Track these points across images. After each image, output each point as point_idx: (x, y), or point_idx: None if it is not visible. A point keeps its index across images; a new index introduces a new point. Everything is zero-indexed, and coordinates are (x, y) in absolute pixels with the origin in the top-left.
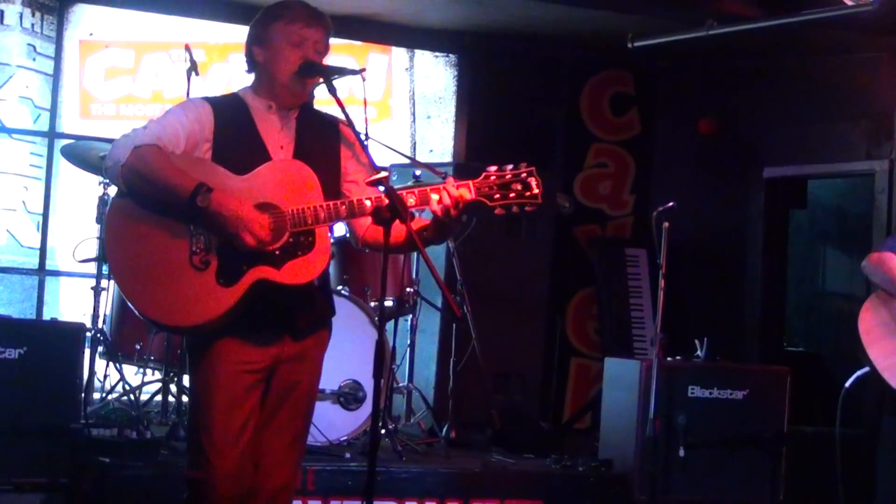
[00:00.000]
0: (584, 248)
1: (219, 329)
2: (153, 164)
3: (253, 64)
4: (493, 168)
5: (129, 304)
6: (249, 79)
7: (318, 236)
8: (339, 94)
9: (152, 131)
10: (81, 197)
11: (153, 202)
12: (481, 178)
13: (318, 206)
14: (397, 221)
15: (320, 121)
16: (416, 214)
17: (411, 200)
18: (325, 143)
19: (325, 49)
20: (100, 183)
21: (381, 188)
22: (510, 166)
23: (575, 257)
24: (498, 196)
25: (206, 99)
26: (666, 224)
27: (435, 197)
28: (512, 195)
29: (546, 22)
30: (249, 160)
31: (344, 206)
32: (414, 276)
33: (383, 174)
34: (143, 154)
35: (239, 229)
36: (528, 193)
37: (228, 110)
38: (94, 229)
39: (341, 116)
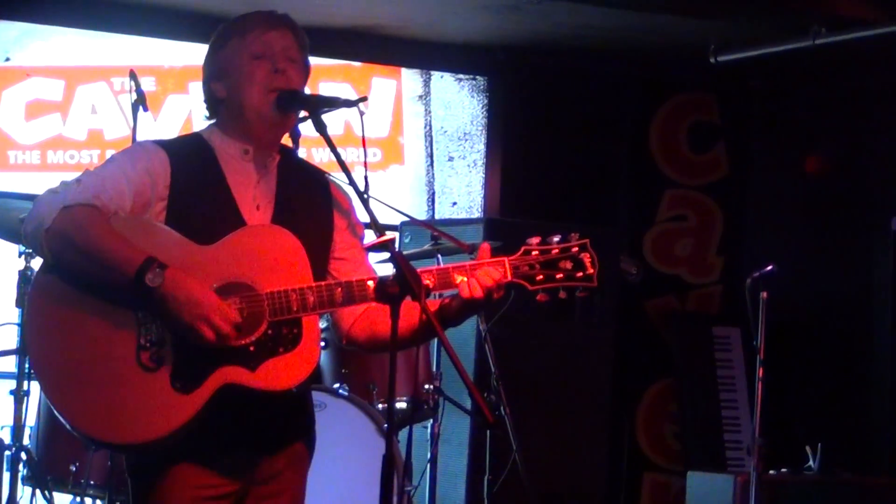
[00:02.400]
0: (658, 328)
1: (174, 447)
2: (88, 230)
3: (215, 105)
4: (534, 241)
5: (58, 415)
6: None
7: (306, 328)
8: (329, 131)
9: (88, 186)
10: None
11: (88, 280)
12: (520, 254)
13: (305, 289)
14: (407, 300)
15: (306, 175)
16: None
17: (427, 282)
18: (313, 205)
19: (301, 61)
20: (20, 254)
21: (385, 254)
22: (556, 238)
23: (646, 340)
24: (541, 277)
25: (160, 143)
26: (764, 294)
27: (461, 279)
28: (559, 276)
29: (603, 32)
30: (216, 224)
31: (340, 290)
32: (434, 368)
33: (388, 236)
34: (74, 216)
35: (195, 319)
36: (579, 274)
37: (189, 157)
38: (13, 314)
39: (335, 169)
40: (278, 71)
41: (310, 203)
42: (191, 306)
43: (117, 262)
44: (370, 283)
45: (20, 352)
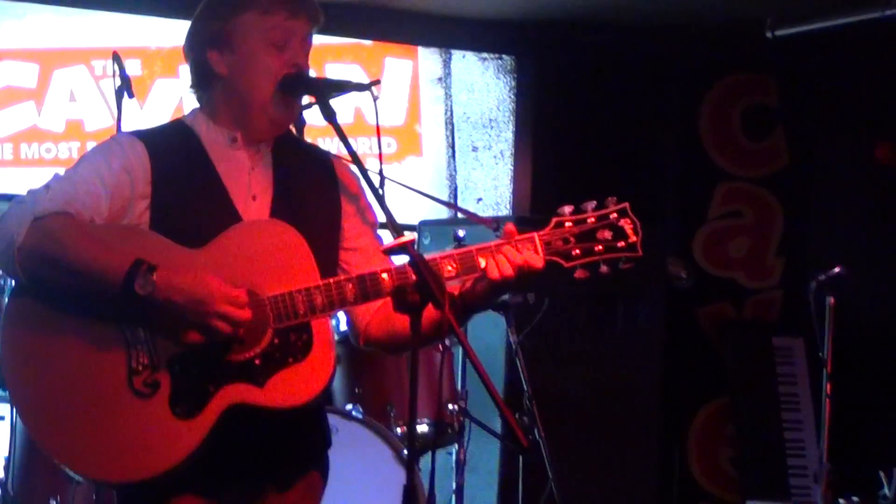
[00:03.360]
0: (711, 339)
1: (175, 481)
2: (63, 241)
3: (207, 78)
4: (566, 209)
5: (47, 453)
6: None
7: (317, 333)
8: (339, 119)
9: (59, 192)
10: None
11: (70, 297)
12: (551, 226)
13: (313, 289)
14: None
15: (306, 156)
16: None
17: (449, 269)
18: (316, 190)
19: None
20: None
21: (404, 258)
22: (591, 204)
23: (698, 352)
24: (578, 252)
25: (136, 134)
26: (831, 300)
27: (486, 263)
28: (598, 248)
29: (645, 5)
30: (208, 220)
31: (351, 286)
32: (459, 386)
33: (407, 237)
34: (47, 228)
35: (202, 318)
36: (621, 244)
37: (171, 148)
38: None
39: (340, 151)
40: (295, 66)
41: (313, 188)
42: (193, 305)
43: (101, 272)
44: (385, 275)
45: None
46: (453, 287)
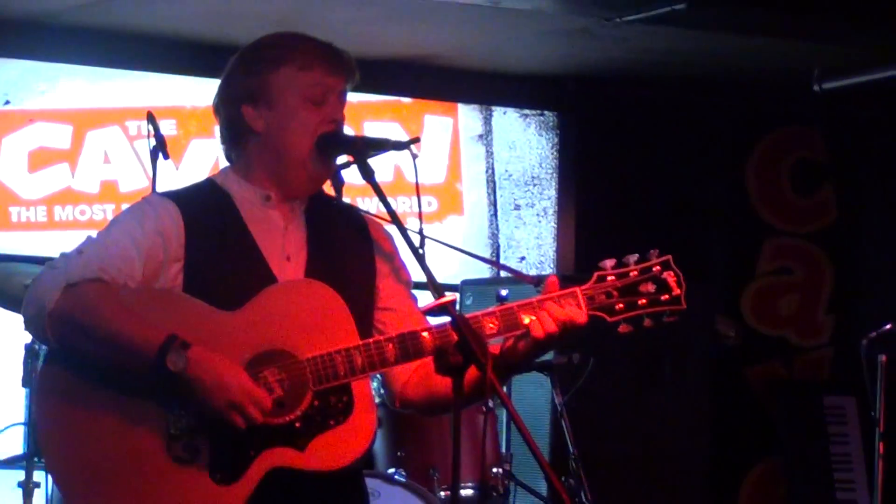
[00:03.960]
0: (760, 399)
1: None
2: (96, 310)
3: (241, 134)
4: (608, 264)
5: None
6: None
7: (358, 394)
8: (378, 177)
9: (91, 257)
10: None
11: (102, 367)
12: (593, 281)
13: (352, 349)
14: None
15: (339, 215)
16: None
17: (491, 327)
18: (350, 250)
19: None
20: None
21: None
22: (634, 257)
23: (747, 413)
24: (622, 306)
25: (168, 195)
26: (883, 358)
27: (529, 319)
28: (642, 302)
29: (689, 58)
30: (243, 283)
31: (392, 346)
32: (503, 449)
33: (448, 297)
34: (80, 296)
35: (223, 405)
36: (664, 297)
37: (204, 208)
38: (20, 395)
39: (379, 210)
40: (334, 122)
41: (347, 248)
42: (219, 391)
43: (134, 345)
44: (425, 334)
45: (29, 457)
46: (494, 346)
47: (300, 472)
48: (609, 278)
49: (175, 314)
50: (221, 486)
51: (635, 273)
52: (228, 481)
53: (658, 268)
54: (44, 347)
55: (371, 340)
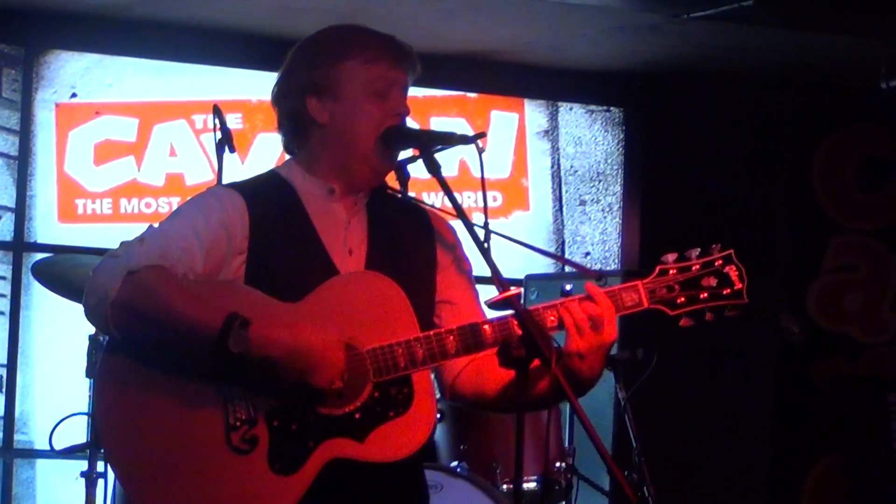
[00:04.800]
0: (824, 395)
1: None
2: (158, 295)
3: (304, 126)
4: (670, 257)
5: None
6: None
7: (418, 387)
8: (443, 172)
9: (152, 246)
10: (64, 337)
11: (163, 353)
12: (655, 274)
13: (412, 341)
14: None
15: (400, 208)
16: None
17: (552, 319)
18: (411, 243)
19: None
20: None
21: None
22: (695, 251)
23: (811, 409)
24: (683, 300)
25: (234, 186)
26: None
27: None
28: (703, 296)
29: (756, 55)
30: (305, 275)
31: (453, 338)
32: (566, 443)
33: (513, 291)
34: (141, 282)
35: (301, 371)
36: (726, 291)
37: (269, 202)
38: (84, 387)
39: (445, 205)
40: (398, 115)
41: (408, 241)
42: (291, 361)
43: (194, 327)
44: (486, 327)
45: (90, 447)
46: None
47: (359, 464)
48: (671, 272)
49: (237, 304)
50: (280, 477)
51: (697, 267)
52: (287, 472)
53: (720, 262)
54: (105, 339)
55: (432, 333)
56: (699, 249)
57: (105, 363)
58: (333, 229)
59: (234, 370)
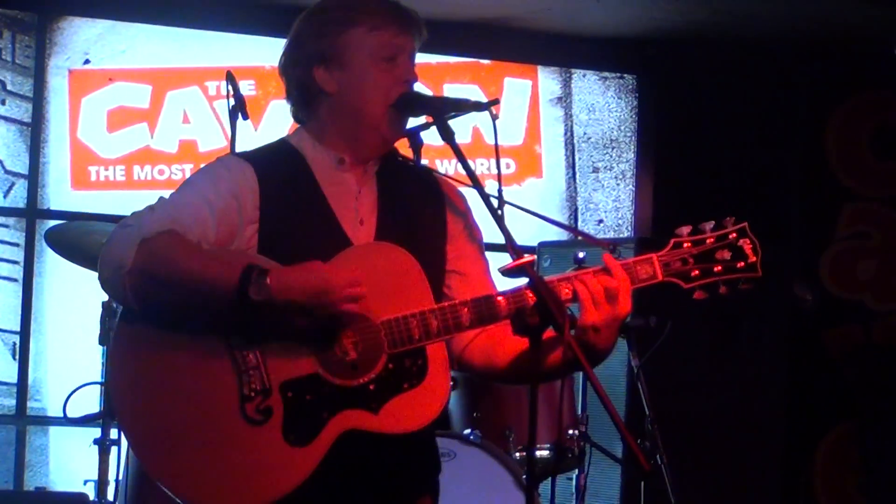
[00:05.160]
0: (838, 362)
1: None
2: (174, 257)
3: (313, 95)
4: (684, 230)
5: (159, 483)
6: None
7: (432, 358)
8: (457, 139)
9: (164, 214)
10: (77, 304)
11: (182, 316)
12: (669, 247)
13: (427, 312)
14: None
15: (410, 176)
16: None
17: (566, 292)
18: (422, 212)
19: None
20: None
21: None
22: (710, 224)
23: (824, 377)
24: (697, 273)
25: (244, 156)
26: None
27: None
28: (717, 269)
29: (770, 22)
30: (317, 246)
31: (467, 310)
32: (579, 411)
33: (526, 258)
34: (156, 247)
35: (329, 305)
36: (740, 264)
37: (279, 172)
38: (97, 354)
39: (458, 171)
40: (407, 82)
41: (418, 210)
42: (316, 298)
43: (213, 283)
44: (500, 298)
45: (104, 416)
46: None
47: (373, 435)
48: (685, 245)
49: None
50: (295, 448)
51: (711, 240)
52: (302, 443)
53: (734, 235)
54: (121, 306)
55: (446, 304)
56: (713, 222)
57: (120, 333)
58: (344, 200)
59: (258, 322)
